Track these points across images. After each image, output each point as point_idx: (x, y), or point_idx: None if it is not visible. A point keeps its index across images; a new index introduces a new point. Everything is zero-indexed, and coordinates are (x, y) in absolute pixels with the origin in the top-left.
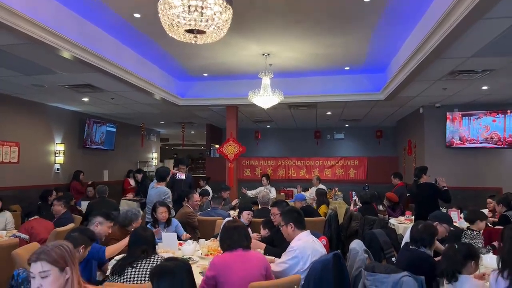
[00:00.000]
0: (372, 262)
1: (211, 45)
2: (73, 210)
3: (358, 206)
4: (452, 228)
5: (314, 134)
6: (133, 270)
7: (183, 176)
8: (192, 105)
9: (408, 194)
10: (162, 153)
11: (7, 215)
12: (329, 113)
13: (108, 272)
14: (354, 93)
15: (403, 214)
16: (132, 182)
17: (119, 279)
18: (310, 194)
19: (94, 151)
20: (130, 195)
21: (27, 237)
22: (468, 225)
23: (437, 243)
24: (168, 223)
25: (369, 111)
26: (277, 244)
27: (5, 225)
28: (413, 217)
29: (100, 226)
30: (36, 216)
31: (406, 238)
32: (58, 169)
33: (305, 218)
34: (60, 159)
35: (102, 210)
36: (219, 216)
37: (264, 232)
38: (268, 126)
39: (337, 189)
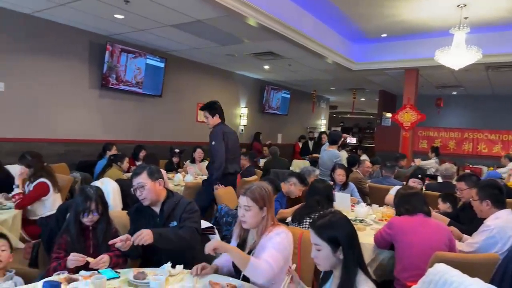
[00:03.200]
0: None
1: (395, 2)
2: (255, 165)
3: None
4: None
5: None
6: (310, 220)
7: (353, 140)
8: (366, 69)
9: None
10: (330, 121)
11: (205, 164)
12: None
13: (288, 220)
14: None
15: None
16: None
17: (298, 226)
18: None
19: (271, 116)
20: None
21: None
22: None
23: None
24: (344, 186)
25: None
26: (463, 222)
27: (204, 170)
28: None
29: (294, 186)
30: None
31: None
32: (242, 130)
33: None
34: (244, 121)
35: (296, 173)
36: (391, 185)
37: (444, 206)
38: (454, 93)
39: None
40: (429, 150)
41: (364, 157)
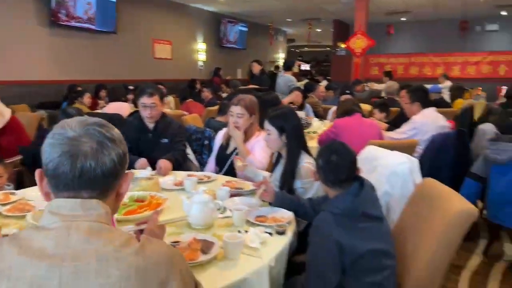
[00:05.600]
0: (500, 136)
1: None
2: (218, 97)
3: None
4: None
5: (459, 25)
6: None
7: (307, 66)
8: None
9: None
10: (288, 55)
11: (170, 99)
12: None
13: None
14: None
15: None
16: None
17: None
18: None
19: (229, 50)
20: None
21: (187, 113)
22: None
23: None
24: (301, 107)
25: None
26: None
27: (169, 106)
28: None
29: None
30: (190, 99)
31: None
32: (201, 65)
33: (437, 109)
34: (202, 57)
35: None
36: None
37: (381, 115)
38: (402, 19)
39: (480, 88)
40: (383, 75)
41: (324, 82)
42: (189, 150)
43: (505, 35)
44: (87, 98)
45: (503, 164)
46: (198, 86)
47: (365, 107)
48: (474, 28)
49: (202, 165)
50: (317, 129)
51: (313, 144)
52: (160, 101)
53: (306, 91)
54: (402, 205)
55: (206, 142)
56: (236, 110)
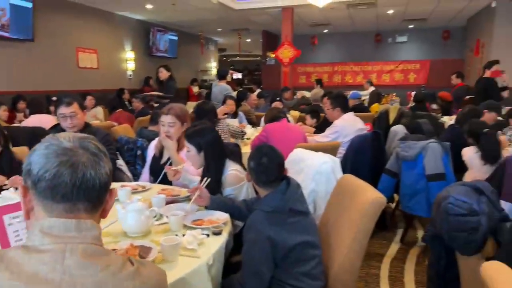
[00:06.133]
0: (408, 136)
1: None
2: (150, 107)
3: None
4: (500, 118)
5: (374, 37)
6: None
7: (239, 75)
8: (248, 8)
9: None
10: (220, 64)
11: (99, 109)
12: (390, 12)
13: None
14: None
15: None
16: (195, 89)
17: None
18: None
19: (160, 59)
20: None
21: (116, 123)
22: None
23: None
24: (235, 115)
25: (435, 7)
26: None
27: (97, 116)
28: None
29: None
30: (120, 109)
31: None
32: (130, 75)
33: (356, 113)
34: (131, 65)
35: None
36: None
37: (312, 121)
38: (325, 31)
39: (395, 94)
40: (315, 83)
41: (258, 91)
42: (121, 162)
43: (413, 46)
44: (2, 111)
45: (411, 160)
46: (126, 95)
47: (294, 113)
48: (387, 40)
49: (136, 176)
50: (250, 135)
51: (246, 150)
52: (80, 110)
53: (239, 100)
54: (327, 201)
55: (139, 152)
56: (166, 119)
